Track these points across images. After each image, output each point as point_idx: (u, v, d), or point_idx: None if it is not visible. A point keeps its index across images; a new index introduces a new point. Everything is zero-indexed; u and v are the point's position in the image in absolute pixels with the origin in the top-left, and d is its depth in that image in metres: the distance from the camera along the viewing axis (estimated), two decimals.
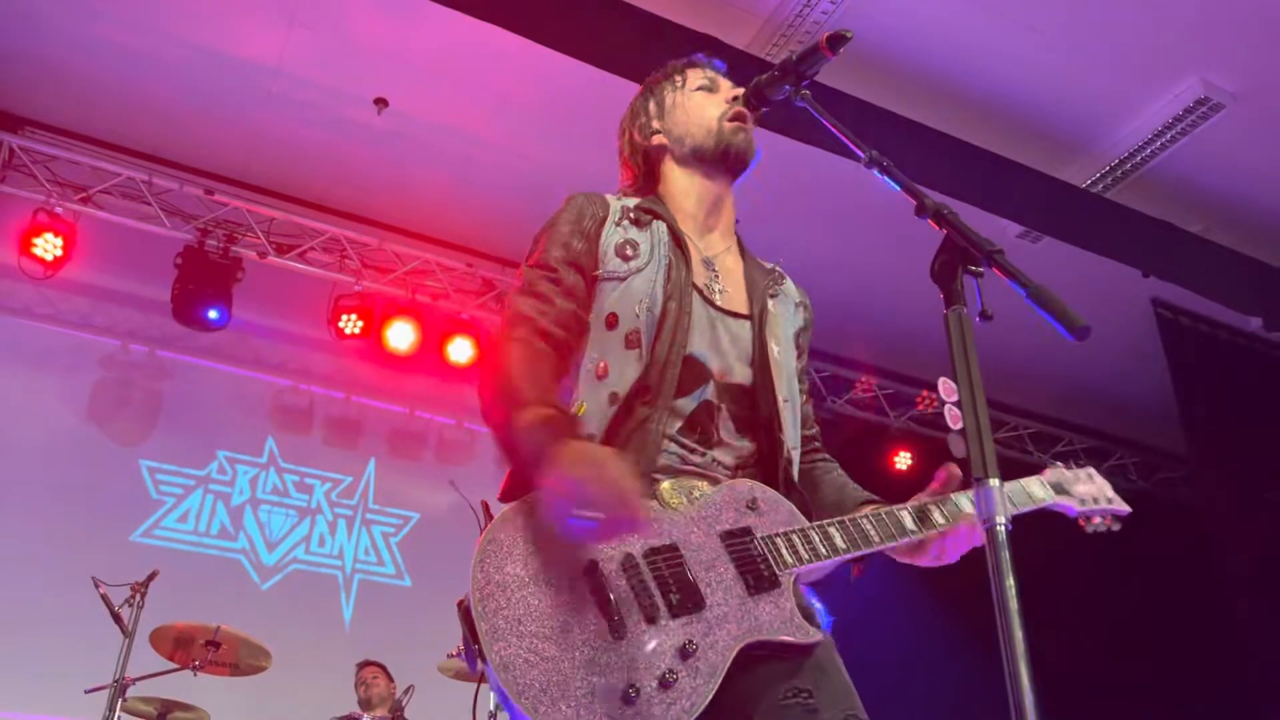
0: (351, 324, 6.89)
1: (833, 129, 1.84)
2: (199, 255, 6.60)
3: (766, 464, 1.92)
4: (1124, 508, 2.22)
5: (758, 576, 1.70)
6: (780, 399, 1.92)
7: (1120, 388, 7.95)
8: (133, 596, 4.81)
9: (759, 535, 1.76)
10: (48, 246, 6.17)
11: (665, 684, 1.54)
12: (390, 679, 5.68)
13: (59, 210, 6.28)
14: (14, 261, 6.23)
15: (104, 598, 4.75)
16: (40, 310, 6.64)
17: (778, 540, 1.76)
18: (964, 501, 1.92)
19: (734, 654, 1.61)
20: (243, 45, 5.73)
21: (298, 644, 5.83)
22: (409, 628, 6.57)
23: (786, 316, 2.09)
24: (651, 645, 1.58)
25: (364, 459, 7.41)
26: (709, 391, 1.89)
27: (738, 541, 1.74)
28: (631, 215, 2.02)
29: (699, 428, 1.87)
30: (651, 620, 1.60)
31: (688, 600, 1.64)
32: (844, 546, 1.78)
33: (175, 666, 4.86)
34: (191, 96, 6.12)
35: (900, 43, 5.36)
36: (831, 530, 1.80)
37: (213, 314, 6.56)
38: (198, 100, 6.15)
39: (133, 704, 4.71)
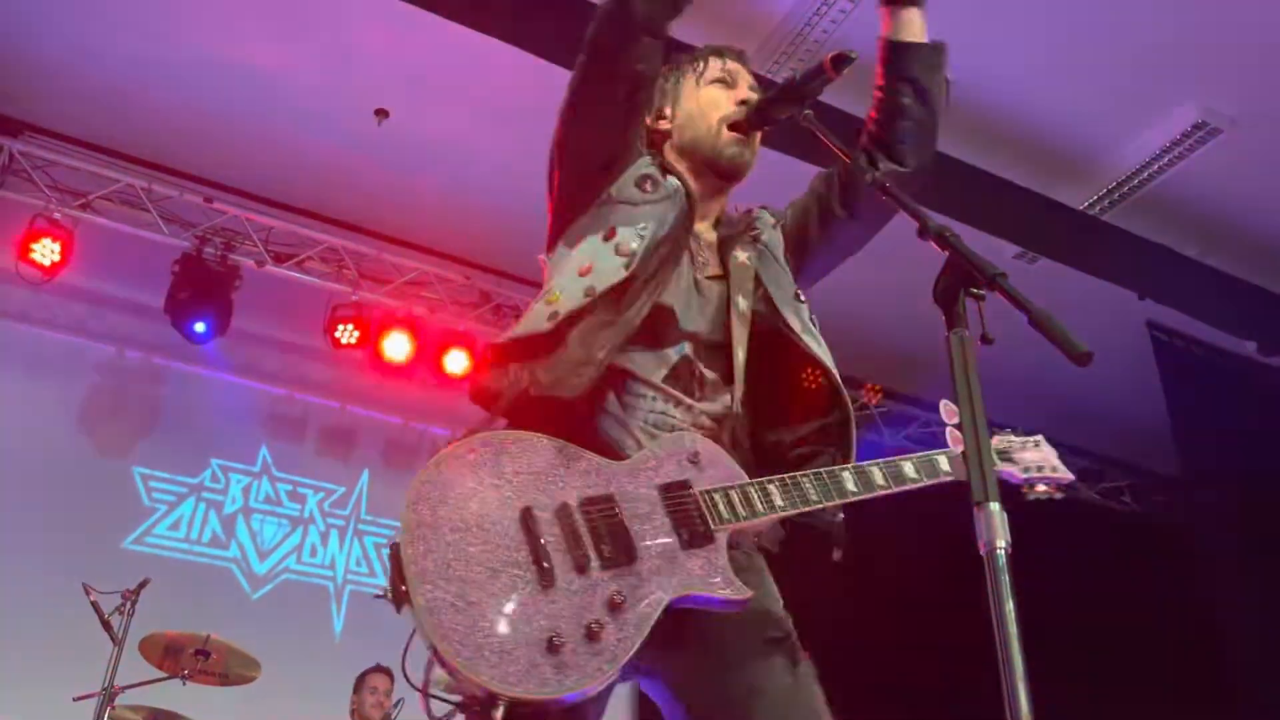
0: (348, 334, 6.88)
1: (835, 149, 1.85)
2: (197, 263, 6.59)
3: (728, 418, 1.93)
4: (1067, 475, 2.24)
5: (692, 531, 1.70)
6: (736, 357, 1.92)
7: (1115, 410, 7.95)
8: (123, 604, 4.77)
9: (697, 489, 1.75)
10: (45, 252, 6.16)
11: (591, 635, 1.54)
12: (391, 689, 5.65)
13: (58, 216, 6.27)
14: (11, 266, 6.21)
15: (94, 605, 4.72)
16: (37, 315, 6.63)
17: (715, 495, 1.75)
18: (907, 466, 1.93)
19: (662, 607, 1.61)
20: (245, 54, 5.74)
21: (287, 654, 5.79)
22: (399, 640, 6.50)
23: (771, 243, 2.11)
24: (579, 596, 1.58)
25: (357, 469, 7.40)
26: (687, 348, 1.91)
27: (675, 495, 1.74)
28: (657, 162, 2.07)
29: (680, 382, 1.89)
30: (581, 570, 1.60)
31: (619, 552, 1.64)
32: (782, 505, 1.78)
33: (164, 675, 4.82)
34: (192, 104, 6.12)
35: None
36: (771, 488, 1.79)
37: (199, 327, 6.51)
38: (199, 108, 6.15)
39: (121, 712, 4.67)
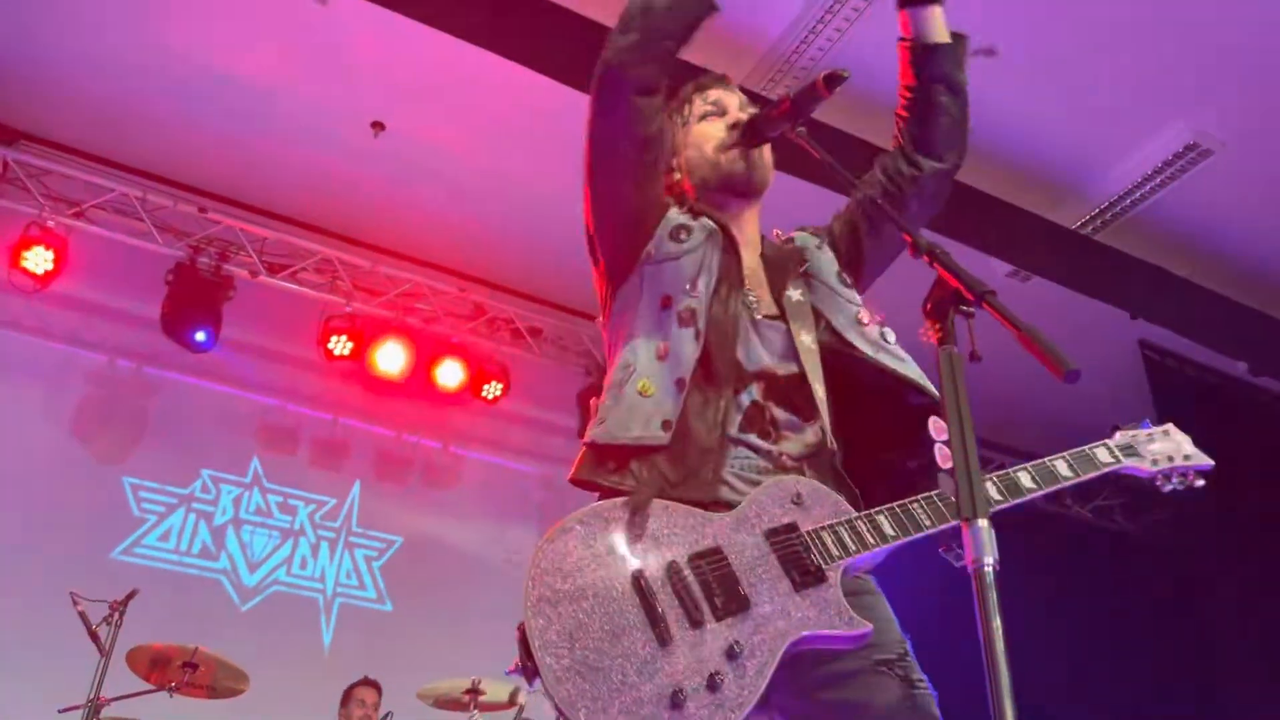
0: (341, 345, 6.88)
1: (828, 166, 1.86)
2: (190, 272, 6.59)
3: (822, 454, 1.93)
4: (1206, 461, 2.18)
5: (803, 572, 1.71)
6: (818, 390, 1.93)
7: (1106, 429, 7.97)
8: (111, 615, 4.75)
9: (804, 530, 1.76)
10: (38, 260, 6.15)
11: (712, 686, 1.57)
12: (379, 701, 5.63)
13: (51, 224, 6.26)
14: (4, 275, 6.20)
15: (82, 615, 4.69)
16: (28, 323, 6.60)
17: (823, 534, 1.76)
18: (1023, 477, 1.93)
19: (781, 651, 1.63)
20: (242, 65, 5.75)
21: (276, 667, 5.76)
22: (389, 653, 6.52)
23: (822, 268, 2.11)
24: (697, 649, 1.61)
25: (349, 481, 7.37)
26: (756, 392, 1.92)
27: (782, 538, 1.75)
28: (686, 210, 2.10)
29: (756, 425, 1.90)
30: (696, 624, 1.63)
31: (732, 602, 1.66)
32: (893, 534, 1.78)
33: (151, 687, 4.79)
34: (188, 114, 6.13)
35: (894, 82, 5.40)
36: (880, 518, 1.80)
37: (200, 336, 6.53)
38: (194, 118, 6.16)
39: None
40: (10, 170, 6.29)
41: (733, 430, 1.88)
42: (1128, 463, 2.12)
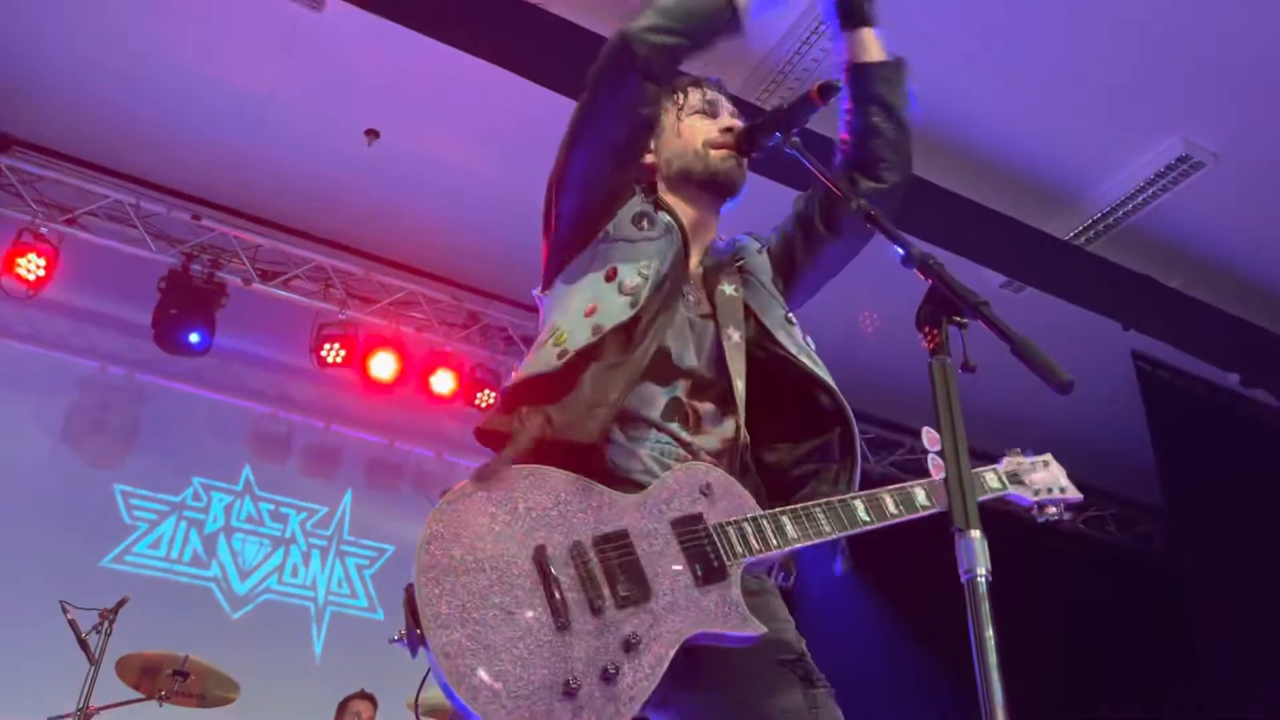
0: (334, 353, 6.87)
1: (821, 177, 1.87)
2: (183, 279, 6.58)
3: (735, 447, 1.93)
4: (1076, 495, 2.22)
5: (707, 567, 1.69)
6: (738, 387, 1.94)
7: (1099, 440, 7.98)
8: (101, 623, 4.72)
9: (710, 523, 1.74)
10: (30, 267, 6.14)
11: (607, 677, 1.54)
12: (376, 714, 5.59)
13: (44, 230, 6.25)
14: None
15: (71, 623, 4.66)
16: (19, 330, 6.58)
17: (729, 529, 1.74)
18: (919, 492, 1.92)
19: (677, 647, 1.60)
20: (236, 72, 5.75)
21: (267, 676, 5.73)
22: (380, 662, 6.46)
23: (757, 269, 2.13)
24: (595, 638, 1.57)
25: (341, 489, 7.35)
26: (680, 387, 1.92)
27: (688, 530, 1.73)
28: (650, 200, 2.09)
29: (677, 416, 1.90)
30: (597, 612, 1.59)
31: (635, 591, 1.63)
32: (795, 536, 1.77)
33: (141, 696, 4.77)
34: (182, 121, 6.12)
35: None
36: (784, 519, 1.78)
37: (194, 337, 6.52)
38: (188, 125, 6.15)
39: None
40: (3, 176, 6.27)
41: (655, 414, 1.87)
42: (1012, 489, 2.16)
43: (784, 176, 4.83)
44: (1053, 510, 2.20)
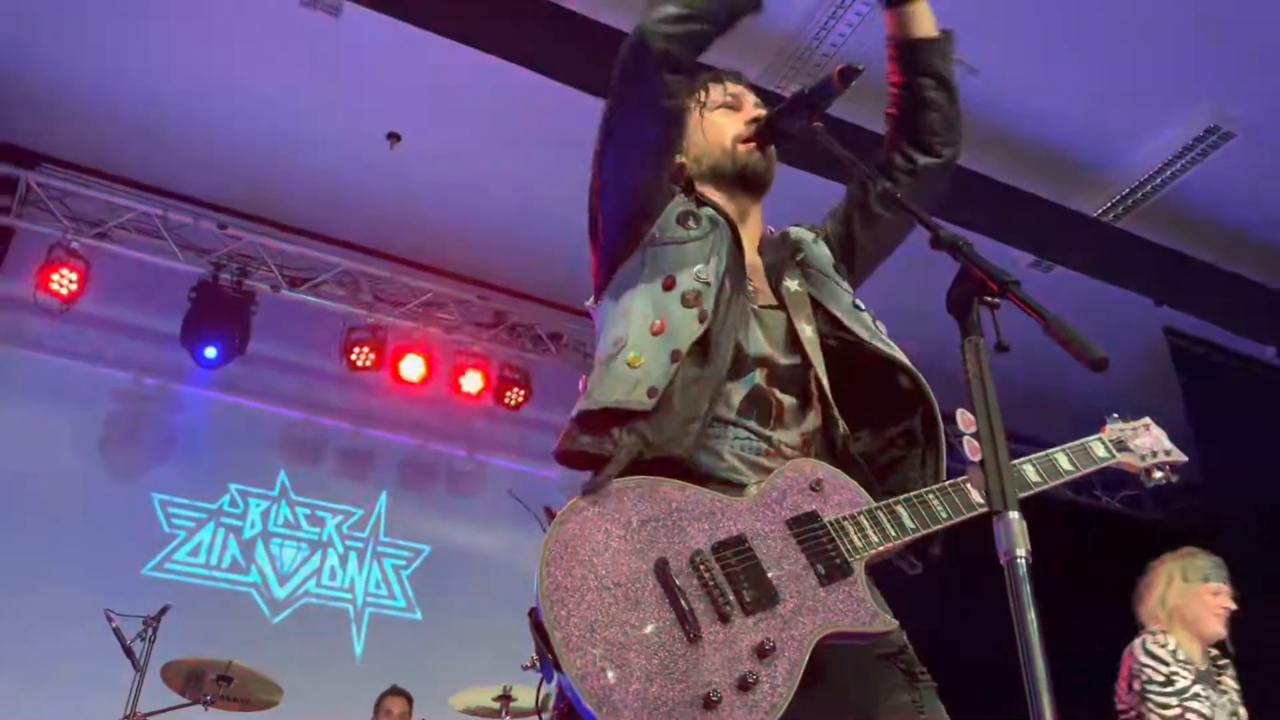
0: (363, 356, 6.91)
1: (846, 162, 1.85)
2: (213, 289, 6.64)
3: (828, 441, 1.91)
4: (1182, 457, 2.20)
5: (829, 565, 1.67)
6: (823, 378, 1.91)
7: (1134, 417, 7.91)
8: (144, 630, 4.80)
9: (826, 520, 1.72)
10: (63, 282, 6.23)
11: (745, 686, 1.51)
12: (411, 710, 5.64)
13: (75, 245, 6.33)
14: (29, 296, 6.28)
15: (116, 631, 4.74)
16: (53, 344, 6.67)
17: (846, 524, 1.72)
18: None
19: (810, 650, 1.57)
20: (258, 80, 5.79)
21: (309, 678, 5.79)
22: (420, 661, 6.53)
23: (818, 260, 2.11)
24: (727, 647, 1.54)
25: (375, 492, 7.40)
26: (758, 377, 1.89)
27: (805, 528, 1.70)
28: (692, 197, 2.07)
29: (756, 411, 1.86)
30: (725, 620, 1.57)
31: (761, 596, 1.60)
32: (913, 526, 1.75)
33: (187, 701, 4.83)
34: (206, 132, 6.17)
35: None
36: (899, 509, 1.76)
37: (210, 352, 6.57)
38: (212, 135, 6.20)
39: None
40: (33, 193, 6.35)
41: (731, 413, 1.84)
42: (1121, 458, 2.15)
43: (810, 164, 4.82)
44: (1159, 475, 2.18)
